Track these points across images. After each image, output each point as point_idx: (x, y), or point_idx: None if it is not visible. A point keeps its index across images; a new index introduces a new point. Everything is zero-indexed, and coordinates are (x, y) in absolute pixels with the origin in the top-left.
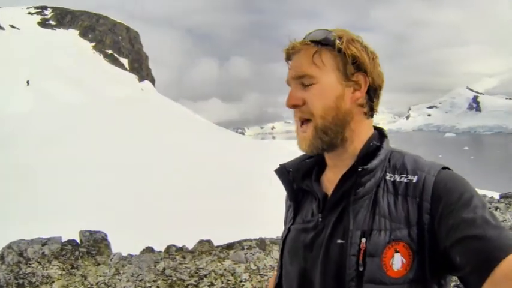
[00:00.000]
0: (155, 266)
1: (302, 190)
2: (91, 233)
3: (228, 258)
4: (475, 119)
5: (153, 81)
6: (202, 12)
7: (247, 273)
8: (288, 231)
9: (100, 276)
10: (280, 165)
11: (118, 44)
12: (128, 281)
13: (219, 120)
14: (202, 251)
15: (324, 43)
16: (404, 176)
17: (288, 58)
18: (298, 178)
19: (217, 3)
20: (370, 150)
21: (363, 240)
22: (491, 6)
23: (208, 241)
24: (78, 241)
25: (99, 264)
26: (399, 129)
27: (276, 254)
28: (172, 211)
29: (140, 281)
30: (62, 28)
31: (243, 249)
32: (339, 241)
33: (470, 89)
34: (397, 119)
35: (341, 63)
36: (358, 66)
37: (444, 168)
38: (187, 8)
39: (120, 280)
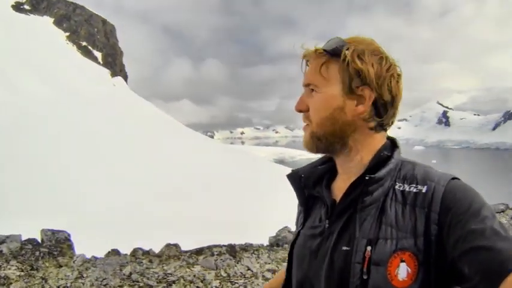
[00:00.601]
0: (121, 270)
1: (313, 196)
2: (53, 232)
3: (197, 264)
4: (444, 133)
5: (125, 77)
6: (180, 10)
7: (218, 281)
8: (297, 235)
9: (62, 279)
10: (292, 170)
11: (93, 36)
12: (92, 285)
13: (189, 122)
14: (170, 255)
15: (333, 54)
16: (414, 185)
17: (307, 63)
18: (310, 185)
19: (195, 2)
20: (380, 160)
21: (369, 248)
22: (464, 26)
23: (176, 245)
24: (40, 240)
25: (61, 266)
26: None
27: (246, 261)
28: (138, 213)
29: (105, 285)
30: (36, 14)
31: (212, 255)
32: (344, 248)
33: (440, 104)
34: None
35: (346, 75)
36: (363, 80)
37: (454, 178)
38: (164, 5)
39: (83, 284)
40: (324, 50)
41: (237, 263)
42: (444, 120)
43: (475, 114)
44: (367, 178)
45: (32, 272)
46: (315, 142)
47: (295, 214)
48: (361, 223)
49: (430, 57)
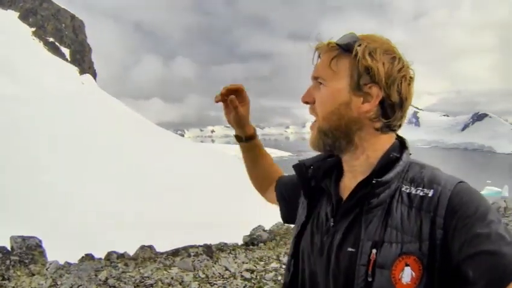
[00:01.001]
0: (96, 275)
1: (319, 188)
2: (23, 238)
3: (175, 266)
4: (414, 133)
5: (94, 75)
6: (152, 8)
7: (196, 282)
8: (301, 229)
9: None
10: (299, 161)
11: (61, 32)
12: None
13: (160, 121)
14: (145, 257)
15: (346, 48)
16: (420, 189)
17: (319, 56)
18: (319, 176)
19: (168, 1)
20: (388, 162)
21: (374, 251)
22: (437, 30)
23: (150, 247)
24: (9, 248)
25: (33, 275)
26: None
27: (224, 261)
28: (110, 215)
29: None
30: (0, 8)
31: (189, 256)
32: (350, 249)
33: (411, 105)
34: None
35: (355, 71)
36: (372, 77)
37: (461, 182)
38: (136, 2)
39: None
40: (337, 44)
41: (215, 264)
42: (414, 120)
43: (444, 115)
44: (374, 182)
45: (3, 282)
46: (321, 138)
47: (267, 213)
48: (367, 225)
49: None
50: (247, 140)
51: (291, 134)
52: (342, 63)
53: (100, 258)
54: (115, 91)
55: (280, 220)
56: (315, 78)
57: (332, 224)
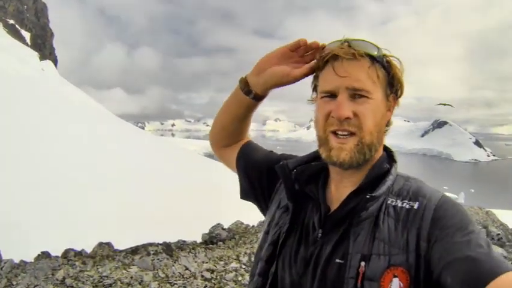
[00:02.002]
0: (53, 274)
1: (303, 193)
2: None
3: (134, 265)
4: None
5: (55, 61)
6: None
7: (156, 282)
8: (284, 234)
9: None
10: (282, 162)
11: (22, 14)
12: None
13: (121, 112)
14: (103, 255)
15: (378, 60)
16: (406, 201)
17: (335, 60)
18: (302, 180)
19: None
20: (380, 173)
21: (362, 264)
22: (403, 37)
23: (108, 244)
24: None
25: None
26: (299, 138)
27: (184, 260)
28: (66, 210)
29: None
30: None
31: (148, 254)
32: (338, 260)
33: None
34: (298, 128)
35: (385, 82)
36: (395, 89)
37: (444, 195)
38: None
39: None
40: (367, 54)
41: (175, 263)
42: None
43: (405, 121)
44: (368, 197)
45: None
46: (364, 152)
47: (226, 210)
48: (355, 238)
49: None
50: (256, 98)
51: (252, 131)
52: (378, 75)
53: (57, 256)
54: (76, 79)
55: (239, 219)
56: (355, 89)
57: (320, 235)
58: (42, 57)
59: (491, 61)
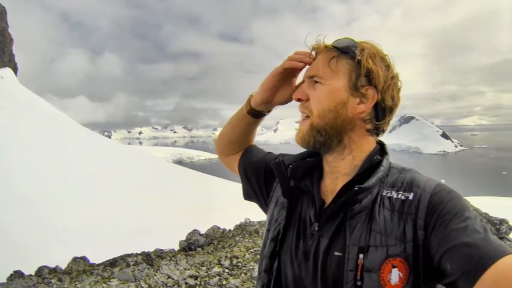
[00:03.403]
0: None
1: (298, 189)
2: None
3: (114, 278)
4: None
5: (15, 69)
6: None
7: None
8: (283, 230)
9: None
10: (278, 159)
11: None
12: None
13: (86, 121)
14: (80, 270)
15: (344, 51)
16: (401, 192)
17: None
18: (298, 176)
19: None
20: (371, 164)
21: (361, 256)
22: (368, 36)
23: (83, 258)
24: None
25: None
26: (266, 141)
27: (165, 269)
28: (33, 224)
29: None
30: None
31: (128, 265)
32: (337, 253)
33: None
34: (265, 131)
35: (354, 73)
36: (371, 80)
37: (439, 183)
38: None
39: None
40: (334, 47)
41: (156, 272)
42: None
43: None
44: (356, 189)
45: None
46: (313, 135)
47: (200, 216)
48: (352, 231)
49: None
50: (259, 115)
51: None
52: (341, 64)
53: (31, 275)
54: (38, 87)
55: (216, 224)
56: (311, 76)
57: (317, 228)
58: (1, 65)
59: (453, 56)
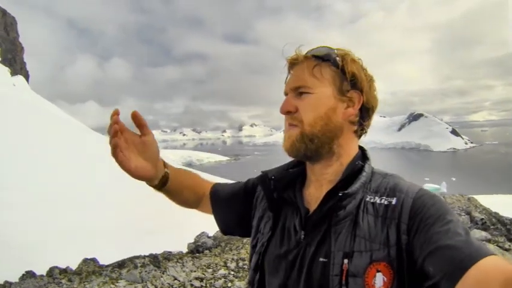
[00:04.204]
0: None
1: (282, 200)
2: None
3: (122, 279)
4: None
5: (27, 76)
6: (86, 4)
7: None
8: (267, 242)
9: None
10: (262, 172)
11: None
12: None
13: (97, 125)
14: (89, 271)
15: (325, 59)
16: (384, 198)
17: (291, 68)
18: (280, 187)
19: None
20: (354, 170)
21: (345, 261)
22: (373, 33)
23: (93, 259)
24: None
25: None
26: (276, 142)
27: (172, 271)
28: (46, 226)
29: None
30: None
31: (136, 267)
32: (322, 259)
33: None
34: (274, 132)
35: (338, 79)
36: (354, 84)
37: (421, 188)
38: None
39: None
40: (315, 56)
41: (163, 274)
42: None
43: (381, 116)
44: (340, 194)
45: None
46: (305, 143)
47: (209, 218)
48: (337, 236)
49: None
50: (163, 184)
51: (228, 138)
52: (325, 72)
53: (42, 275)
54: (49, 94)
55: None
56: (296, 88)
57: (303, 236)
58: (14, 73)
59: (460, 50)
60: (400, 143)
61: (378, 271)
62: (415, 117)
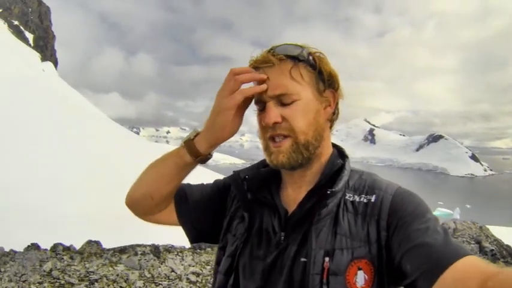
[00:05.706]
0: (41, 265)
1: (256, 201)
2: None
3: (121, 263)
4: (368, 150)
5: (55, 63)
6: None
7: (142, 281)
8: (242, 244)
9: None
10: (234, 172)
11: (26, 16)
12: (10, 280)
13: (117, 116)
14: (91, 252)
15: (300, 59)
16: (364, 196)
17: (257, 69)
18: (254, 187)
19: None
20: (334, 169)
21: (326, 259)
22: (400, 49)
23: (97, 242)
24: None
25: None
26: None
27: (170, 262)
28: (59, 208)
29: (24, 281)
30: None
31: (136, 254)
32: (302, 259)
33: (367, 122)
34: None
35: (315, 79)
36: (329, 83)
37: (400, 187)
38: None
39: (1, 279)
40: (288, 56)
41: (161, 264)
42: (370, 137)
43: (400, 135)
44: (328, 192)
45: None
46: (301, 151)
47: None
48: (317, 234)
49: (361, 75)
50: (207, 159)
51: (246, 141)
52: (303, 73)
53: (46, 249)
54: (75, 81)
55: None
56: (278, 96)
57: (283, 238)
58: (44, 59)
59: (488, 72)
60: (417, 163)
61: (359, 269)
62: (434, 138)
